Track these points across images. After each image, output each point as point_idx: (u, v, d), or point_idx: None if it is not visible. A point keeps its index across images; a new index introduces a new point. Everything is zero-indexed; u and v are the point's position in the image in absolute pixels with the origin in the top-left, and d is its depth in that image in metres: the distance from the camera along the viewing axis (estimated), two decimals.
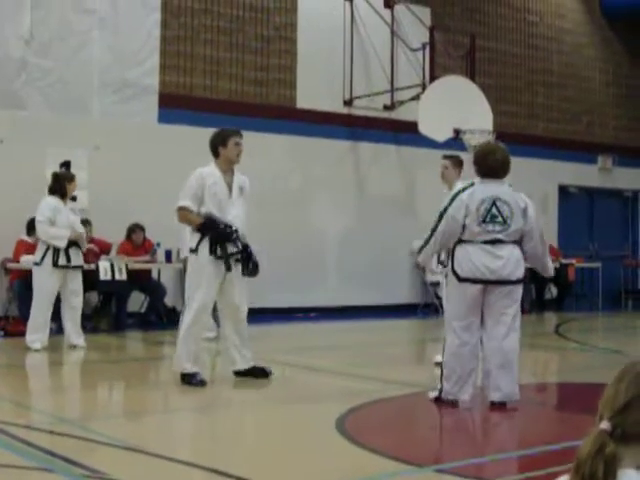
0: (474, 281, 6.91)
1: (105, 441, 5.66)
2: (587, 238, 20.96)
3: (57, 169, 11.51)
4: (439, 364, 7.63)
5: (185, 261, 10.33)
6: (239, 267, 8.07)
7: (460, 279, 6.94)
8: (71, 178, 10.90)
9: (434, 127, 14.91)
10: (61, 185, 10.77)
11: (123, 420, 6.87)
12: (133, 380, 8.76)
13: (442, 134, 14.91)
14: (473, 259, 6.90)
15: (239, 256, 8.04)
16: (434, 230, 7.07)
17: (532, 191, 19.17)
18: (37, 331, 10.57)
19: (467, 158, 15.17)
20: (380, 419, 6.96)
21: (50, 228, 10.52)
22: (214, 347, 11.12)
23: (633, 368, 2.07)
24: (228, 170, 8.27)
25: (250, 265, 8.07)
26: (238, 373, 8.37)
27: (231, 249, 7.98)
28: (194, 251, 8.05)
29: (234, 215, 8.10)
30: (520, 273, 7.02)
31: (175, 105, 14.85)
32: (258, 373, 8.32)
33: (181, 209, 8.11)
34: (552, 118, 20.09)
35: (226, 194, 8.13)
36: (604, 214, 21.26)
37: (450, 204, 7.02)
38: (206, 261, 7.95)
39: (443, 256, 7.83)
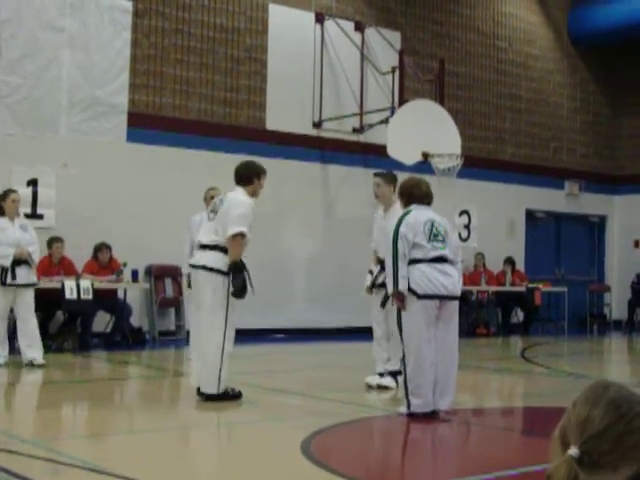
0: (432, 297, 7.50)
1: (68, 462, 5.60)
2: (554, 263, 21.10)
3: (24, 187, 11.48)
4: (383, 386, 9.26)
5: (188, 277, 10.31)
6: None
7: (420, 296, 7.47)
8: (4, 194, 10.87)
9: (403, 150, 14.95)
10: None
11: (87, 441, 6.80)
12: (97, 400, 8.68)
13: (411, 157, 14.95)
14: (430, 277, 7.52)
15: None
16: (396, 256, 7.55)
17: (499, 215, 19.55)
18: None
19: (435, 182, 15.30)
20: (346, 442, 6.94)
21: None
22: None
23: (605, 392, 1.98)
24: None
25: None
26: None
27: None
28: (225, 273, 8.17)
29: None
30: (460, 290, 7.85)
31: (144, 124, 14.81)
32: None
33: (242, 235, 8.17)
34: (520, 143, 20.24)
35: None
36: (571, 239, 21.42)
37: (399, 227, 7.59)
38: (228, 283, 8.16)
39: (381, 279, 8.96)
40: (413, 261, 7.55)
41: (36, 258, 10.97)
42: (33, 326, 10.90)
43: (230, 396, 8.25)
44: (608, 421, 1.93)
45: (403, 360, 7.62)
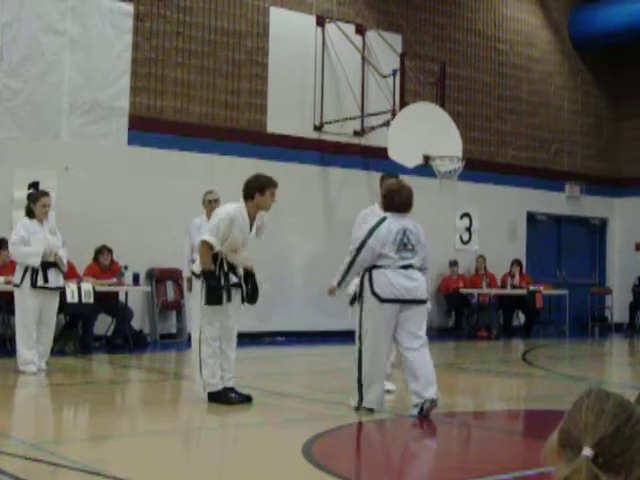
0: (394, 301, 7.71)
1: (69, 465, 5.60)
2: (555, 265, 21.09)
3: (25, 190, 11.40)
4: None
5: (189, 281, 10.25)
6: (236, 294, 8.43)
7: (382, 300, 7.70)
8: (35, 198, 10.60)
9: (404, 153, 14.95)
10: (28, 206, 10.58)
11: (88, 444, 6.80)
12: (99, 403, 8.68)
13: (412, 160, 14.95)
14: (393, 282, 7.73)
15: (239, 285, 8.45)
16: (353, 261, 7.84)
17: (500, 218, 19.54)
18: (28, 354, 10.40)
19: (436, 185, 15.31)
20: (347, 444, 6.94)
21: (23, 247, 10.29)
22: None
23: (608, 400, 2.01)
24: (255, 213, 8.42)
25: (249, 292, 8.56)
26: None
27: (233, 280, 8.35)
28: (198, 277, 8.34)
29: (242, 257, 8.43)
30: (426, 294, 8.02)
31: (145, 127, 14.81)
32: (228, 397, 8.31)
33: (205, 243, 8.19)
34: (521, 146, 20.23)
35: (247, 237, 8.37)
36: (572, 242, 21.41)
37: (369, 237, 7.78)
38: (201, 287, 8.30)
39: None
40: (376, 267, 7.79)
41: (65, 262, 10.82)
42: (50, 335, 10.75)
43: (224, 399, 8.22)
44: (617, 423, 1.96)
45: (359, 357, 7.83)
